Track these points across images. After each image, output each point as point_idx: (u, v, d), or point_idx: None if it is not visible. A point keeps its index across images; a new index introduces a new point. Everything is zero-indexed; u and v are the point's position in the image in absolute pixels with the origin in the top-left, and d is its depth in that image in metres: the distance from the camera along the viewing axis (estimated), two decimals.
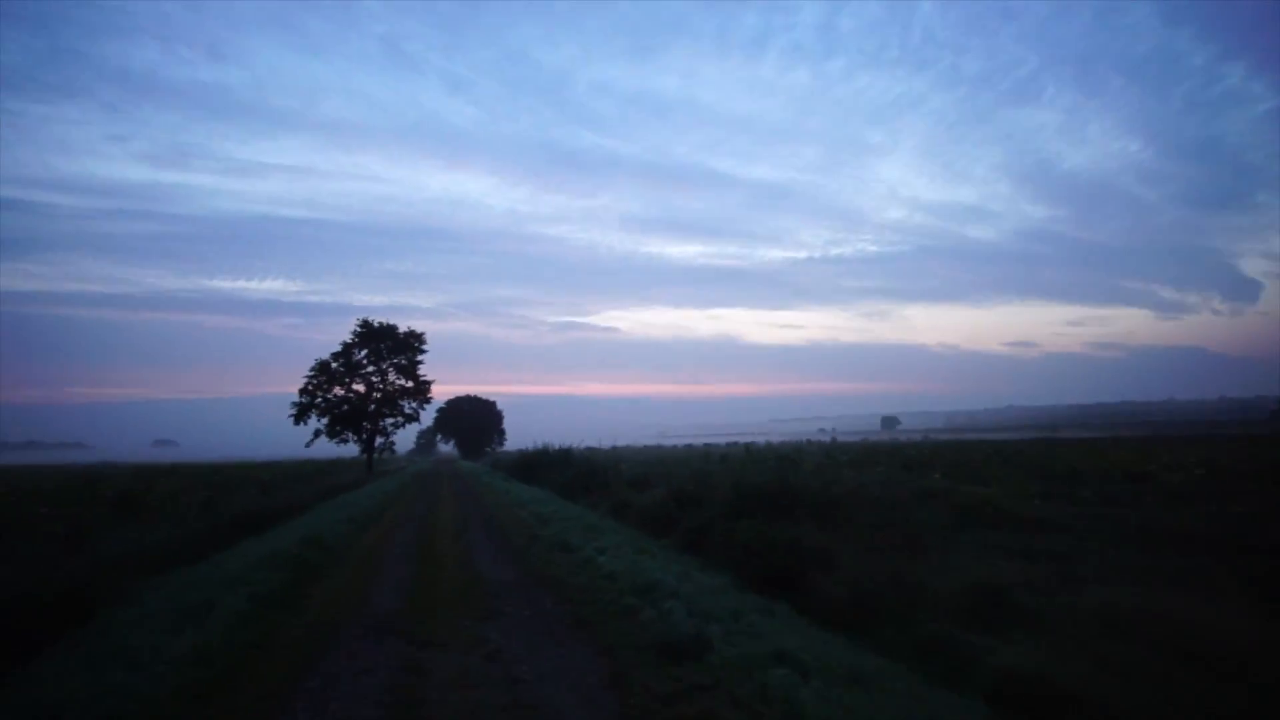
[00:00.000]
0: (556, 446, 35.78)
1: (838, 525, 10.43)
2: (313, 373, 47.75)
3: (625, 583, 7.55)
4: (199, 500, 18.89)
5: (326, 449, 50.88)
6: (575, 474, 24.98)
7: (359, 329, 48.75)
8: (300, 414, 46.93)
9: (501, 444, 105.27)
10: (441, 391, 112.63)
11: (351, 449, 50.19)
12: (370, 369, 49.30)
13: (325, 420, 47.54)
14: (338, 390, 48.23)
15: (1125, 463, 23.48)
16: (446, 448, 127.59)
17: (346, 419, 47.80)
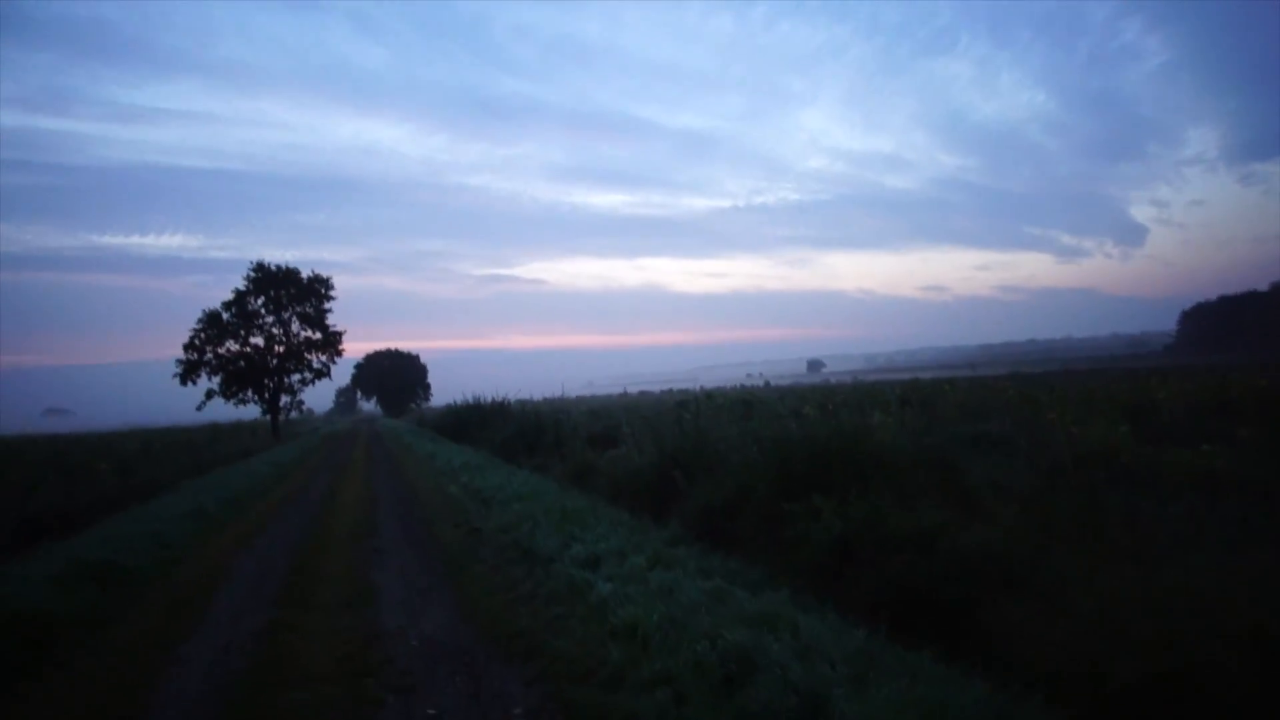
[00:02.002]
0: (489, 400, 31.50)
1: (917, 497, 6.97)
2: (200, 325, 41.46)
3: (682, 659, 3.76)
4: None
5: (231, 412, 44.92)
6: (516, 430, 20.96)
7: (254, 274, 42.48)
8: (187, 373, 40.78)
9: (427, 400, 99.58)
10: (364, 349, 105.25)
11: (255, 410, 44.43)
12: (270, 319, 43.30)
13: (218, 379, 41.56)
14: (232, 344, 42.16)
15: (1118, 396, 21.22)
16: (369, 406, 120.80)
17: (243, 377, 41.90)
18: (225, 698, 3.96)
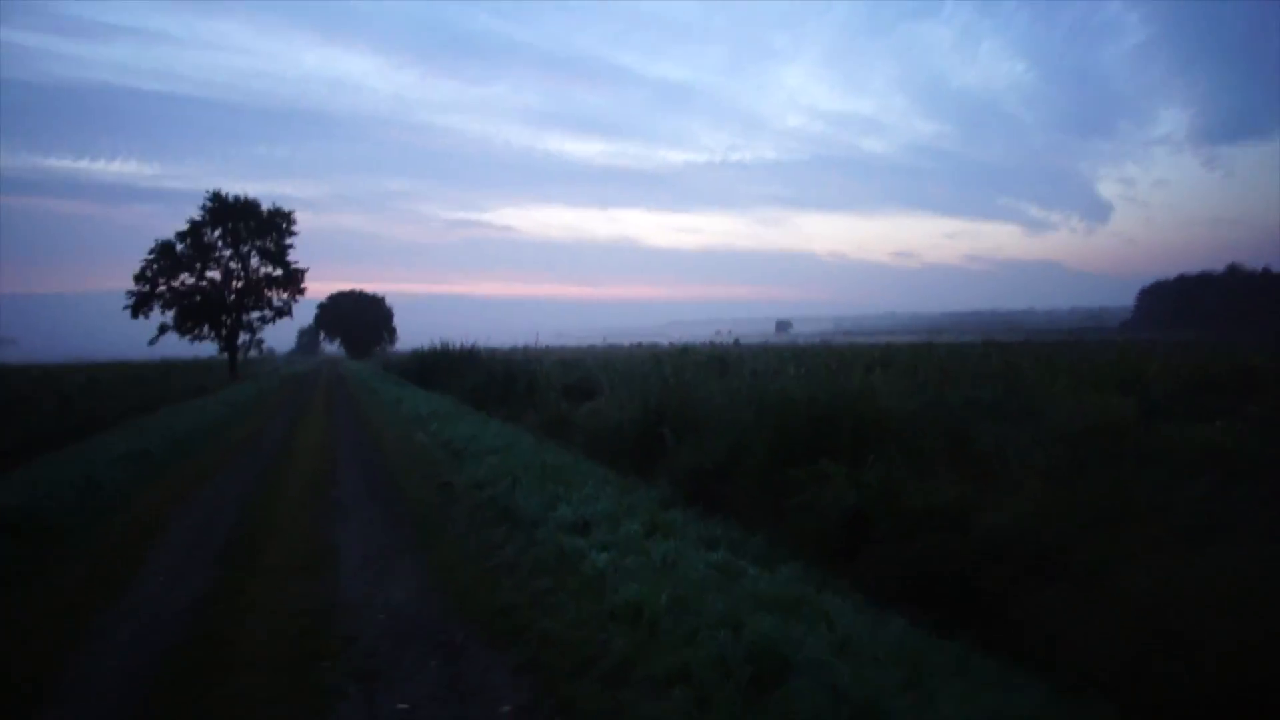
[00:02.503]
0: (458, 346, 30.52)
1: (929, 466, 6.53)
2: (152, 255, 39.37)
3: (701, 652, 3.20)
4: None
5: (187, 349, 43.13)
6: (486, 378, 20.20)
7: (210, 204, 40.31)
8: (138, 306, 38.87)
9: (393, 344, 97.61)
10: (328, 289, 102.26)
11: (212, 348, 42.74)
12: (227, 253, 41.32)
13: (172, 313, 39.71)
14: (186, 278, 40.19)
15: (1102, 368, 21.23)
16: (332, 347, 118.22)
17: (199, 311, 40.10)
18: (144, 688, 3.30)
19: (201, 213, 40.17)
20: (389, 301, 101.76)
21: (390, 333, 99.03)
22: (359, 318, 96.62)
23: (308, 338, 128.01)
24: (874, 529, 5.08)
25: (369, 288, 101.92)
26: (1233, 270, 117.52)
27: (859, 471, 5.67)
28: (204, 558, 5.44)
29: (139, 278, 38.84)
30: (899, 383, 13.92)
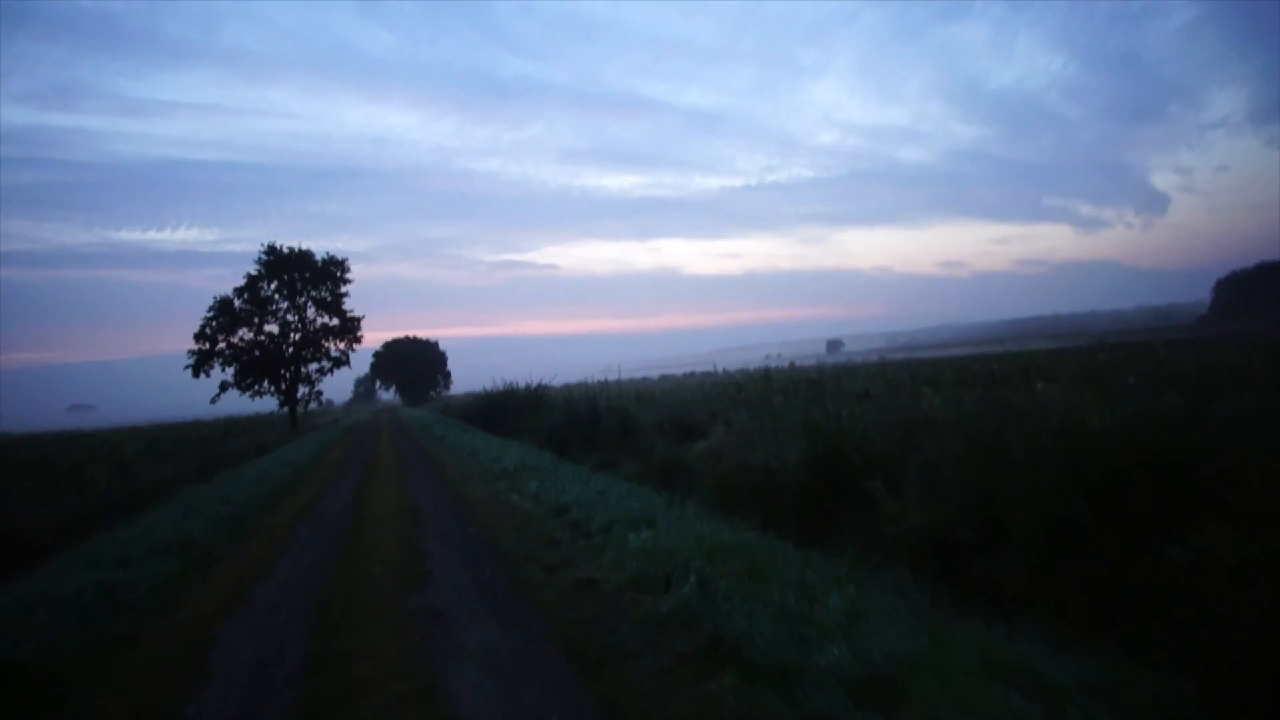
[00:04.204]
0: (523, 385, 28.66)
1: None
2: (211, 313, 39.03)
3: None
4: None
5: (252, 405, 42.60)
6: (566, 420, 18.10)
7: (265, 256, 39.93)
8: (199, 364, 38.44)
9: (447, 387, 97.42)
10: (380, 337, 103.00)
11: (273, 403, 42.07)
12: (284, 305, 40.79)
13: (233, 369, 39.16)
14: (245, 333, 39.71)
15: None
16: (387, 395, 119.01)
17: (259, 366, 39.50)
18: None
19: (258, 266, 39.81)
20: (441, 346, 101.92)
21: (445, 377, 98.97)
22: (414, 364, 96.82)
23: (364, 386, 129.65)
24: None
25: (419, 334, 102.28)
26: None
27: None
28: None
29: (199, 336, 38.50)
30: (1083, 396, 11.20)
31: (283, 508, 10.83)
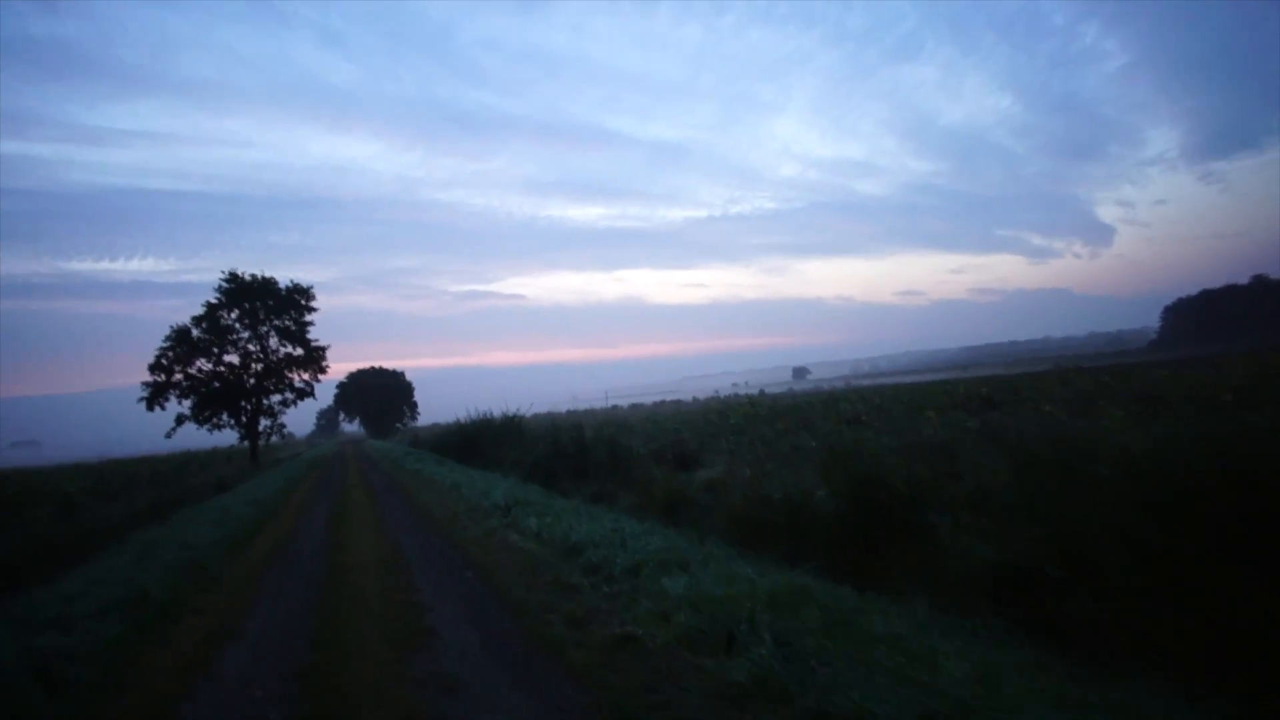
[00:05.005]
0: (497, 415, 27.67)
1: None
2: (168, 343, 37.25)
3: None
4: None
5: (207, 438, 40.67)
6: (551, 451, 17.18)
7: (226, 283, 38.39)
8: (154, 396, 36.57)
9: (414, 419, 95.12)
10: (344, 369, 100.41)
11: (232, 436, 40.14)
12: (245, 335, 39.17)
13: (190, 402, 37.32)
14: (204, 363, 37.96)
15: (1191, 385, 18.17)
16: (351, 427, 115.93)
17: (218, 398, 37.70)
18: None
19: (218, 295, 38.24)
20: (407, 377, 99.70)
21: (411, 408, 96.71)
22: (379, 395, 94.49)
23: (327, 418, 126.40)
24: None
25: (385, 364, 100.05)
26: (1259, 280, 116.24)
27: None
28: None
29: (154, 367, 36.69)
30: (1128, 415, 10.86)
31: (250, 552, 9.77)
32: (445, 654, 4.86)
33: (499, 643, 5.00)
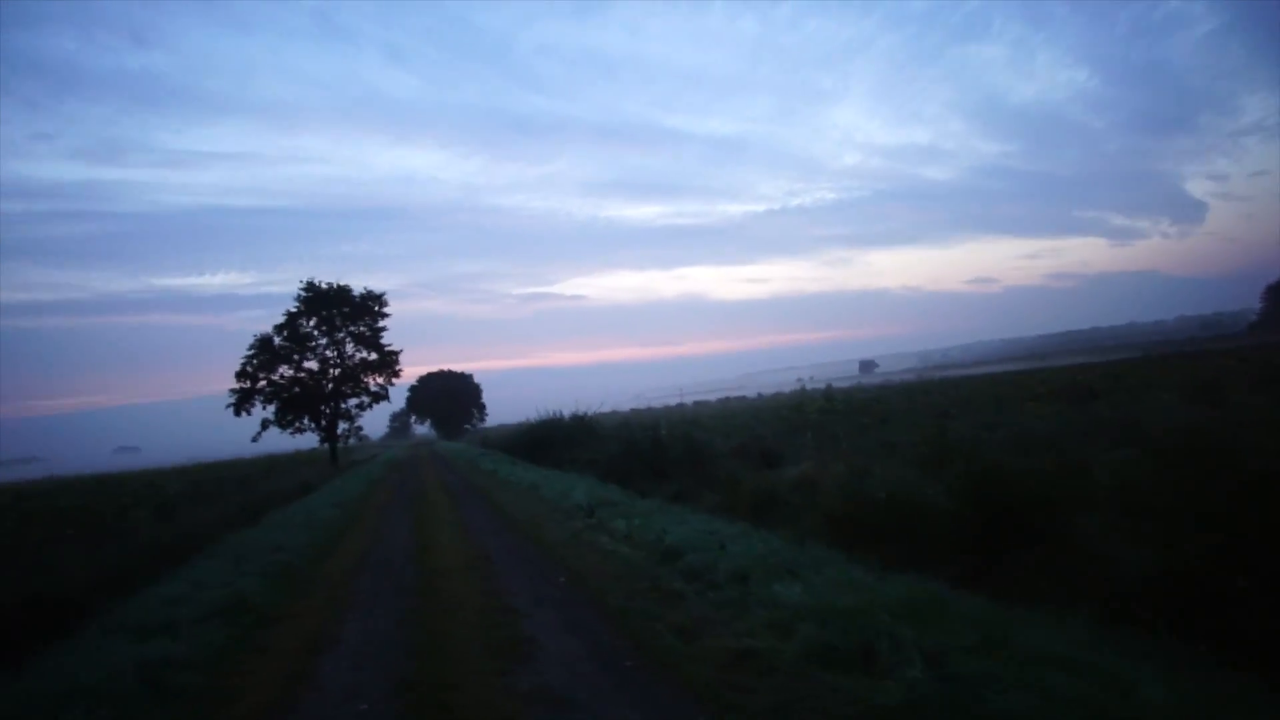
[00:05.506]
0: (565, 415, 27.72)
1: None
2: (252, 351, 38.86)
3: None
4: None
5: (289, 442, 42.31)
6: (624, 449, 16.95)
7: (304, 293, 39.78)
8: (240, 402, 38.21)
9: (482, 420, 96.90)
10: (414, 373, 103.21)
11: (314, 440, 41.62)
12: (323, 341, 40.52)
13: (273, 407, 38.86)
14: (285, 370, 39.45)
15: None
16: (422, 429, 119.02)
17: (299, 403, 39.13)
18: None
19: (297, 303, 39.66)
20: (475, 379, 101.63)
21: (480, 409, 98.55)
22: (448, 397, 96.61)
23: (399, 421, 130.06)
24: None
25: (453, 367, 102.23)
26: None
27: None
28: None
29: (240, 374, 38.35)
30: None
31: (338, 555, 9.84)
32: (551, 666, 4.60)
33: (606, 654, 4.72)
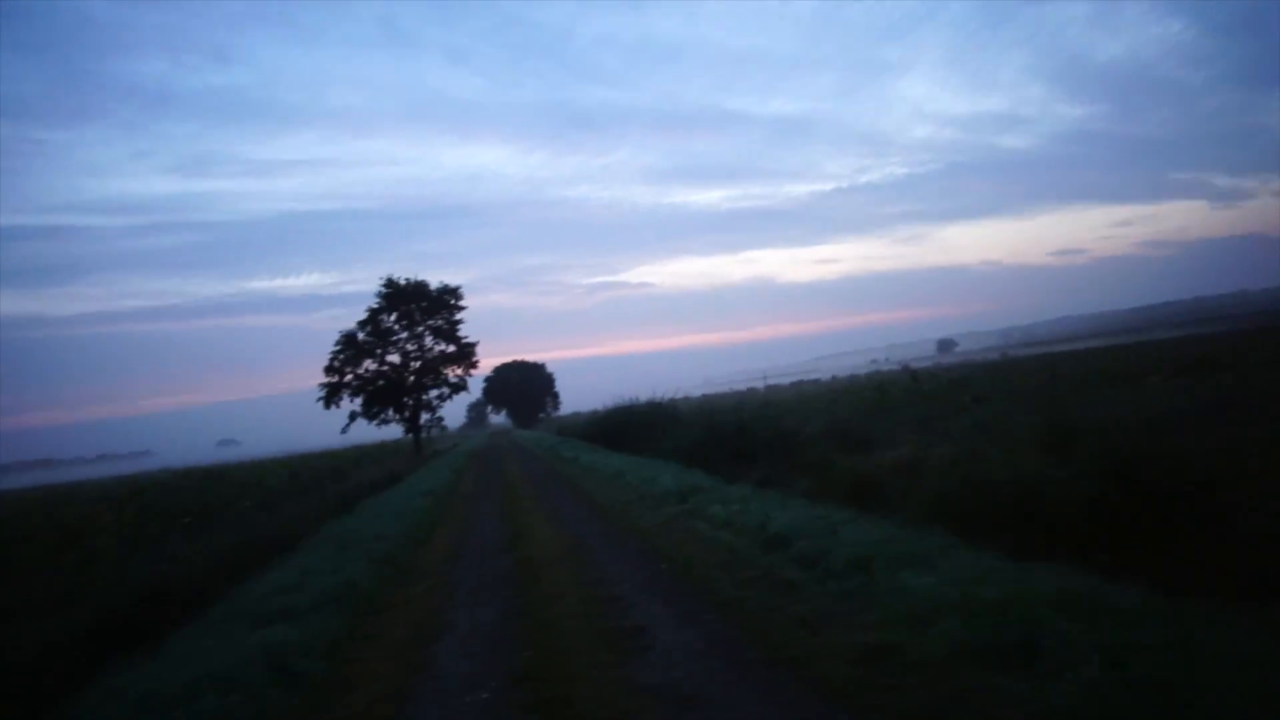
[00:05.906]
0: (642, 401, 27.68)
1: None
2: (338, 347, 40.42)
3: None
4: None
5: (374, 433, 43.97)
6: (706, 435, 16.70)
7: (384, 289, 41.04)
8: (329, 396, 39.83)
9: (556, 408, 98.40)
10: (488, 364, 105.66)
11: (397, 430, 43.13)
12: (404, 335, 41.78)
13: (359, 400, 40.37)
14: (369, 364, 40.91)
15: None
16: (498, 418, 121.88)
17: (383, 395, 40.50)
18: None
19: (378, 299, 40.97)
20: (547, 368, 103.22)
21: (553, 398, 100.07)
22: (523, 387, 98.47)
23: (476, 411, 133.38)
24: None
25: (526, 358, 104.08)
26: None
27: None
28: None
29: (328, 369, 39.94)
30: None
31: (434, 543, 10.00)
32: (669, 659, 4.44)
33: (725, 647, 4.52)
